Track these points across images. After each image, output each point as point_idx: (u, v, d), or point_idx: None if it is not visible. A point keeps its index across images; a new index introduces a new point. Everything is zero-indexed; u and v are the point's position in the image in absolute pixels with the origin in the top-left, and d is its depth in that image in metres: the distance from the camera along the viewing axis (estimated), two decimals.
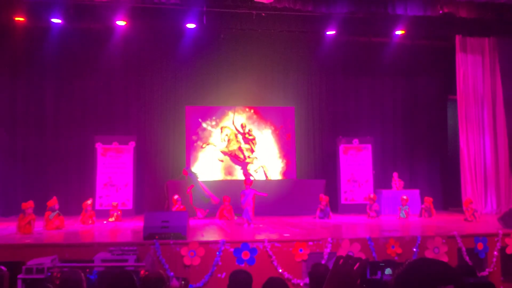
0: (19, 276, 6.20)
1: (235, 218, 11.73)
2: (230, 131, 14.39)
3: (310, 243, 7.84)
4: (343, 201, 13.85)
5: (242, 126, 14.46)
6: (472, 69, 13.67)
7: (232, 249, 7.61)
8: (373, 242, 7.94)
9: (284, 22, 12.85)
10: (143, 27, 13.42)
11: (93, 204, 11.85)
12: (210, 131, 14.35)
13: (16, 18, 12.21)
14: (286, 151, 14.62)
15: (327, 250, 7.78)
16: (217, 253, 7.53)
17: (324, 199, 12.01)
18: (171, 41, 13.83)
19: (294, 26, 13.11)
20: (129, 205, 12.99)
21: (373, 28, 13.41)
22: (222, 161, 14.29)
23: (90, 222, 10.73)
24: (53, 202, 10.03)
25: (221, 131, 14.37)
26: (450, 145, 14.75)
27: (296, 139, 14.70)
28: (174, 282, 6.69)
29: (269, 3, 11.15)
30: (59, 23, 12.43)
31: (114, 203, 11.94)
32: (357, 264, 1.89)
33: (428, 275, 1.67)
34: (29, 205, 9.34)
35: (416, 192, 13.39)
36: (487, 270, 8.26)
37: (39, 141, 13.53)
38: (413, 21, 12.72)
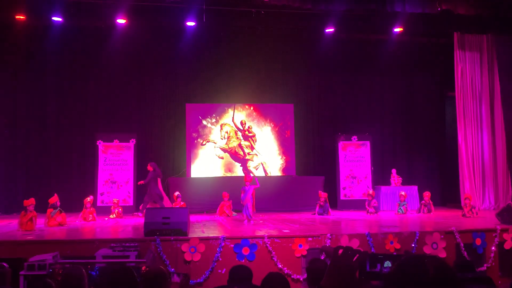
0: (21, 272, 6.25)
1: (234, 214, 11.80)
2: (230, 128, 14.46)
3: (310, 238, 7.91)
4: (342, 197, 13.93)
5: (242, 123, 14.53)
6: (470, 66, 13.73)
7: (232, 245, 7.67)
8: (372, 238, 8.01)
9: (283, 20, 12.91)
10: (144, 25, 13.48)
11: (95, 201, 11.91)
12: (210, 128, 14.42)
13: (17, 16, 12.25)
14: (286, 148, 14.69)
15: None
16: (218, 249, 7.59)
17: (323, 195, 12.09)
18: (171, 39, 13.87)
19: (293, 24, 13.19)
20: (130, 202, 13.07)
21: (372, 25, 13.46)
22: (222, 158, 14.36)
23: (90, 218, 10.80)
24: (54, 199, 10.09)
25: (221, 128, 14.44)
26: (448, 141, 14.80)
27: (296, 136, 14.77)
28: (175, 278, 6.76)
29: (268, 1, 11.18)
30: (59, 21, 12.47)
31: (115, 200, 12.00)
32: (356, 256, 1.92)
33: (421, 268, 1.70)
34: (30, 202, 9.39)
35: (414, 188, 13.47)
36: (485, 265, 8.31)
37: (41, 139, 13.60)
38: (411, 18, 12.76)
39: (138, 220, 10.73)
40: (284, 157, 14.67)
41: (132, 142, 13.33)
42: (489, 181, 13.49)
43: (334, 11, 12.29)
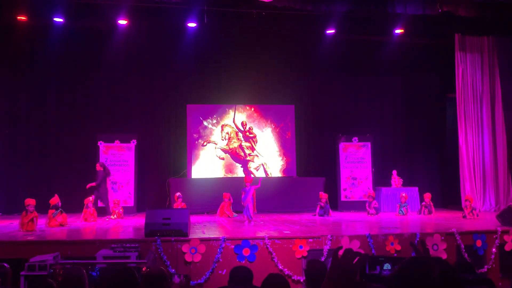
0: (22, 273, 6.27)
1: (234, 215, 11.82)
2: (231, 129, 14.47)
3: (310, 240, 7.91)
4: (342, 199, 13.93)
5: (243, 124, 14.54)
6: (471, 67, 13.74)
7: (232, 246, 7.67)
8: (373, 239, 8.01)
9: (284, 21, 12.92)
10: (145, 26, 13.49)
11: (96, 201, 11.91)
12: (211, 129, 14.43)
13: (18, 17, 12.27)
14: (286, 149, 14.70)
15: (326, 247, 7.85)
16: (218, 250, 7.59)
17: (324, 196, 12.08)
18: (172, 40, 13.88)
19: (294, 25, 13.19)
20: (131, 203, 13.08)
21: (373, 26, 13.48)
22: (222, 159, 14.37)
23: (92, 219, 10.81)
24: (56, 200, 10.10)
25: (222, 129, 14.45)
26: (449, 143, 14.79)
27: (296, 137, 14.77)
28: (176, 279, 6.77)
29: (269, 2, 11.19)
30: (61, 22, 12.49)
31: (116, 201, 12.01)
32: (357, 258, 1.92)
33: (426, 271, 1.68)
34: (31, 203, 9.41)
35: (415, 189, 13.47)
36: (485, 267, 8.31)
37: (42, 139, 13.61)
38: (413, 20, 12.78)
39: (139, 220, 10.74)
40: (284, 158, 14.67)
41: (133, 143, 13.34)
42: (489, 182, 13.48)
43: (335, 12, 12.30)
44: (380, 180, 14.18)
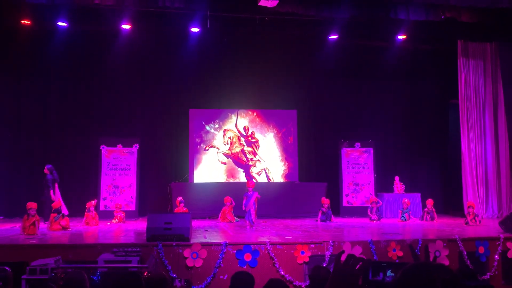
0: (23, 276, 6.27)
1: (236, 220, 11.81)
2: (233, 134, 14.48)
3: (312, 245, 7.89)
4: (345, 204, 13.91)
5: (245, 129, 14.55)
6: (474, 73, 13.71)
7: (234, 251, 7.66)
8: (375, 245, 7.99)
9: (287, 27, 12.93)
10: (148, 31, 13.52)
11: (98, 205, 11.93)
12: (214, 134, 14.44)
13: (22, 22, 12.32)
14: (289, 154, 14.70)
15: (328, 253, 7.83)
16: (220, 254, 7.58)
17: (326, 202, 12.07)
18: (175, 45, 13.89)
19: (296, 31, 13.21)
20: (133, 207, 13.08)
21: (375, 32, 13.48)
22: (225, 163, 14.37)
23: (93, 223, 10.82)
24: (58, 203, 10.11)
25: (224, 134, 14.46)
26: (452, 149, 14.76)
27: (298, 142, 14.77)
28: (177, 284, 6.76)
29: (272, 8, 11.21)
30: (64, 26, 12.52)
31: (118, 205, 12.01)
32: (359, 264, 1.92)
33: (428, 278, 1.68)
34: (33, 206, 9.42)
35: (417, 195, 13.44)
36: (488, 273, 8.28)
37: (44, 143, 13.63)
38: (415, 26, 12.77)
39: (141, 225, 10.73)
40: (287, 163, 14.66)
41: (135, 147, 13.37)
42: (492, 189, 13.44)
43: (338, 18, 12.30)
44: (383, 186, 14.15)
